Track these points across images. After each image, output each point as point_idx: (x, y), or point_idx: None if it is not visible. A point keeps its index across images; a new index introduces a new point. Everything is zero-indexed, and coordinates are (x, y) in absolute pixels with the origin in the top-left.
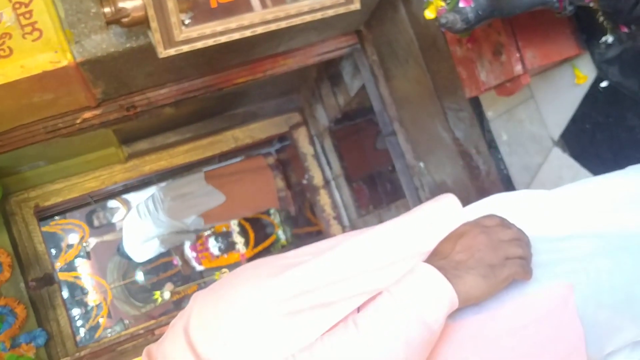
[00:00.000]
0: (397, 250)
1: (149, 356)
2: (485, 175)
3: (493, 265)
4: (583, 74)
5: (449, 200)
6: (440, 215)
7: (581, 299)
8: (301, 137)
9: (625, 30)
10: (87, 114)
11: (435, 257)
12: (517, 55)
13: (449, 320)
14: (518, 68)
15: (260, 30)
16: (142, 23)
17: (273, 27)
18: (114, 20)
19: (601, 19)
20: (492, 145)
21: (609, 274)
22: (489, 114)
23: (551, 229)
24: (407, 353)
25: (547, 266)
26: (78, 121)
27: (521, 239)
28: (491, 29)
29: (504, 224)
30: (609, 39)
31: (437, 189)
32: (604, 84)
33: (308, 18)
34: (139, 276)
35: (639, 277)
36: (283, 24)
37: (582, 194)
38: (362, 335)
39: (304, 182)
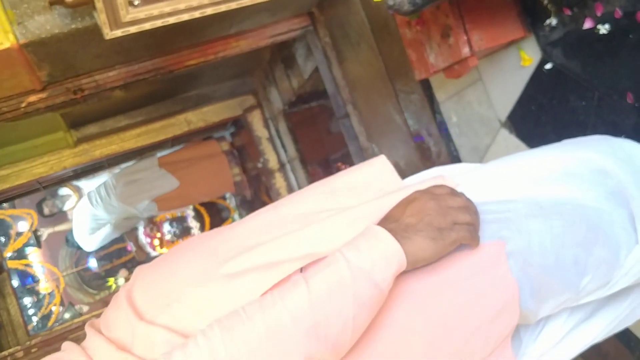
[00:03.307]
0: (334, 207)
1: (92, 326)
2: (436, 156)
3: (441, 228)
4: (528, 56)
5: (381, 162)
6: (374, 175)
7: (510, 256)
8: (255, 120)
9: (568, 12)
10: (33, 98)
11: (387, 221)
12: (465, 37)
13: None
14: (465, 50)
15: (209, 11)
16: (87, 3)
17: (223, 8)
18: (58, 0)
19: (545, 1)
20: (442, 127)
21: (539, 235)
22: (439, 96)
23: (488, 195)
24: (356, 310)
25: (481, 225)
26: (23, 105)
27: (469, 207)
28: (439, 12)
29: (453, 192)
30: (553, 21)
31: None
32: (548, 66)
33: None
34: (92, 263)
35: (569, 242)
36: (233, 5)
37: (519, 165)
38: (312, 291)
39: (259, 165)
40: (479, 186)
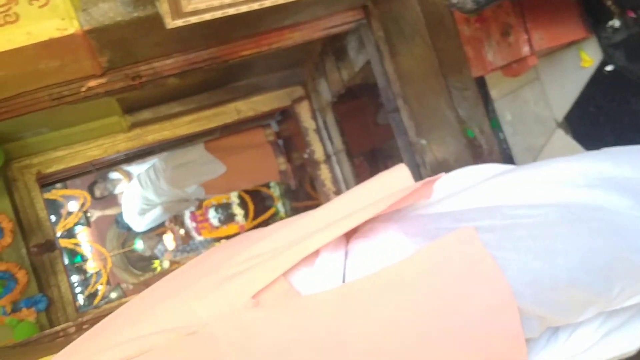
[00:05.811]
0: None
1: None
2: (487, 154)
3: None
4: (589, 57)
5: (400, 169)
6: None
7: (536, 259)
8: (303, 111)
9: (632, 15)
10: (92, 82)
11: None
12: (525, 36)
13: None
14: (525, 49)
15: (268, 3)
16: None
17: (281, 0)
18: None
19: (609, 3)
20: (495, 125)
21: (565, 239)
22: (494, 93)
23: (518, 198)
24: None
25: (506, 229)
26: (83, 89)
27: None
28: (500, 10)
29: None
30: (616, 23)
31: (439, 166)
32: (609, 67)
33: None
34: (139, 245)
35: (594, 247)
36: None
37: (553, 169)
38: None
39: (305, 156)
40: (507, 189)
